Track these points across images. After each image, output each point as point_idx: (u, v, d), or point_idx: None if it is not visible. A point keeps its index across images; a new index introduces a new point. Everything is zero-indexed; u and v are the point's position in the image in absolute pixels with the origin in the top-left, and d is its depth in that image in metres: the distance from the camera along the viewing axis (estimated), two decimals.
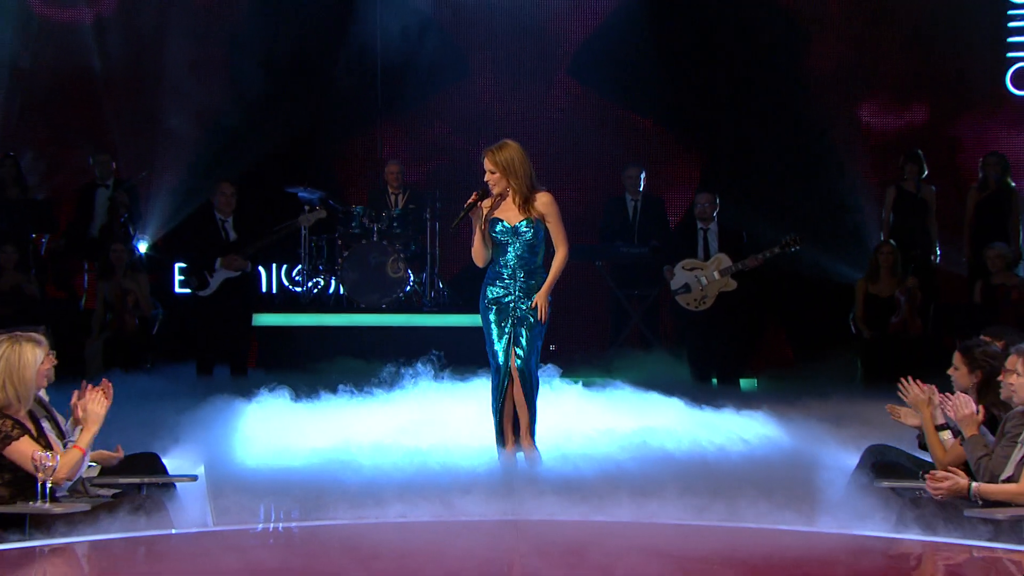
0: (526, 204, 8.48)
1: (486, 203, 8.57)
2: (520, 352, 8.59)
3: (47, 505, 6.08)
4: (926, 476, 6.84)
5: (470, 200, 8.50)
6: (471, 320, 12.63)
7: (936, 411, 7.21)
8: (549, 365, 10.06)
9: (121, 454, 7.15)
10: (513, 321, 8.57)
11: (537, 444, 8.67)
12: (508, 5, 13.86)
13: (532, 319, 8.60)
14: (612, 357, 12.68)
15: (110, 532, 6.07)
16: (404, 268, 12.93)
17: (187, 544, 6.36)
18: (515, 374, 8.58)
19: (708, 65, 14.09)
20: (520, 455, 8.58)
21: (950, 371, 7.38)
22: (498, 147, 8.49)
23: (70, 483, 6.45)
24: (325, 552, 6.08)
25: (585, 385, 11.01)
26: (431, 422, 9.58)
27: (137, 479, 7.08)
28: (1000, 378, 6.91)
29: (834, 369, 12.78)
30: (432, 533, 6.48)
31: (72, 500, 6.37)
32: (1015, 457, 6.69)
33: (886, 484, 7.22)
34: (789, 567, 5.45)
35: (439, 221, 13.25)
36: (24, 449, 6.20)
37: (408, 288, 13.02)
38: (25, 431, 6.27)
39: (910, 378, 7.33)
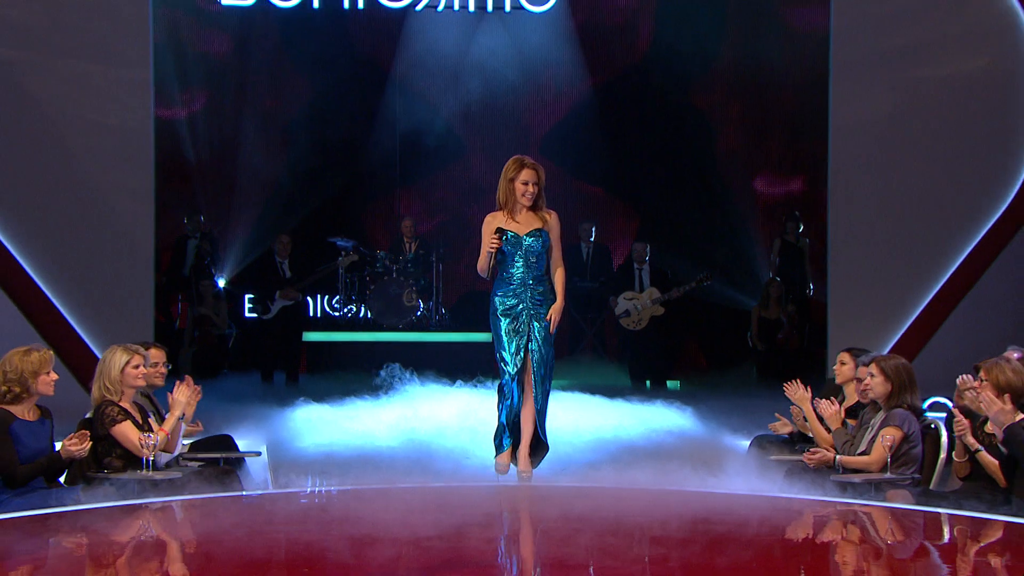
0: (538, 217, 7.02)
1: (493, 220, 7.03)
2: (536, 358, 6.96)
3: (150, 473, 6.07)
4: (805, 452, 6.92)
5: (496, 244, 6.90)
6: (467, 337, 12.73)
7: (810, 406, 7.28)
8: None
9: (201, 428, 7.19)
10: (527, 330, 6.94)
11: (534, 466, 7.08)
12: (494, 102, 13.84)
13: (546, 328, 6.97)
14: (570, 365, 12.69)
15: (197, 494, 6.08)
16: (416, 298, 12.94)
17: (251, 503, 6.36)
18: (528, 386, 6.98)
19: (644, 146, 14.12)
20: (514, 469, 7.08)
21: (837, 368, 7.54)
22: (537, 164, 7.04)
23: (168, 456, 6.47)
24: (351, 508, 6.09)
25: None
26: (424, 417, 9.57)
27: (216, 455, 7.11)
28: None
29: (736, 374, 12.85)
30: (428, 496, 6.37)
31: (169, 470, 6.38)
32: (867, 437, 6.76)
33: (774, 457, 7.28)
34: (706, 518, 5.46)
35: (442, 263, 13.27)
36: (126, 431, 6.18)
37: (419, 313, 13.04)
38: (128, 416, 6.25)
39: (795, 380, 7.42)
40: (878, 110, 11.18)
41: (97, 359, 6.52)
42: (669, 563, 4.78)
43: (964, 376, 6.93)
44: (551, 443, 7.22)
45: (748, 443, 7.99)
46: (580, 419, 9.48)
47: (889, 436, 6.57)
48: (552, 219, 7.08)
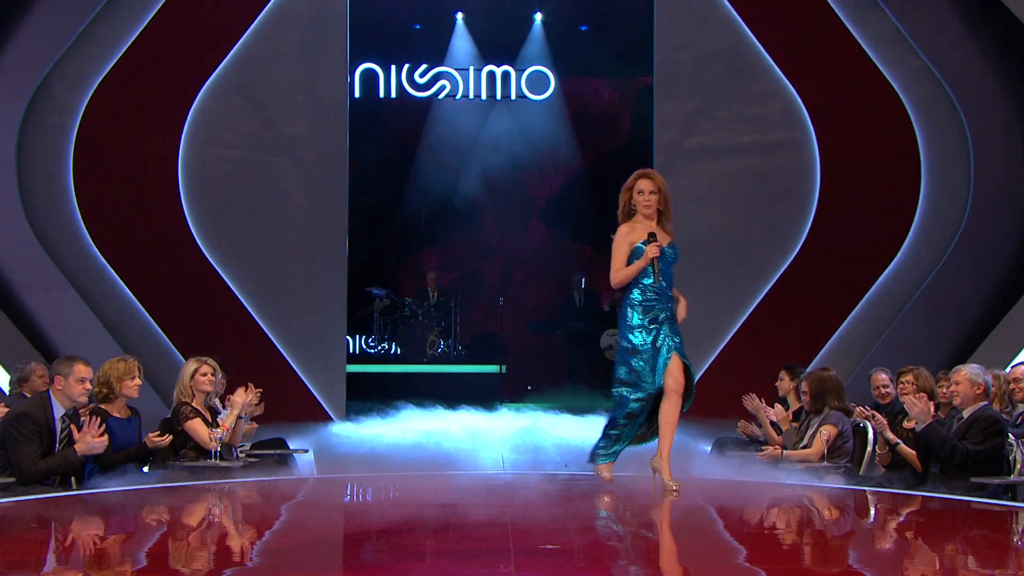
0: (667, 231, 5.80)
1: (631, 231, 5.77)
2: (679, 358, 5.64)
3: (216, 462, 6.20)
4: (760, 450, 7.03)
5: (654, 253, 5.63)
6: (480, 368, 12.80)
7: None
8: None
9: (256, 427, 7.27)
10: (667, 336, 5.62)
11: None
12: (503, 176, 14.00)
13: (680, 340, 5.69)
14: (563, 391, 12.73)
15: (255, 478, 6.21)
16: (438, 337, 13.07)
17: (296, 484, 6.46)
18: (675, 386, 5.60)
19: None
20: (657, 478, 5.64)
21: (778, 383, 7.66)
22: (652, 171, 5.86)
23: (233, 448, 6.57)
24: (382, 493, 6.18)
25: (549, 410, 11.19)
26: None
27: (271, 451, 7.22)
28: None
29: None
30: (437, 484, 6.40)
31: (231, 460, 6.48)
32: (808, 433, 6.86)
33: (734, 453, 7.37)
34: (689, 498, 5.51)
35: (459, 308, 13.38)
36: (196, 427, 6.28)
37: (440, 349, 13.15)
38: (198, 415, 6.36)
39: (751, 394, 7.53)
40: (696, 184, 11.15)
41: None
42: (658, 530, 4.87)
43: (881, 374, 7.13)
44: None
45: (710, 445, 8.07)
46: (570, 433, 9.55)
47: (826, 432, 6.69)
48: (671, 229, 5.84)
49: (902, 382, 6.75)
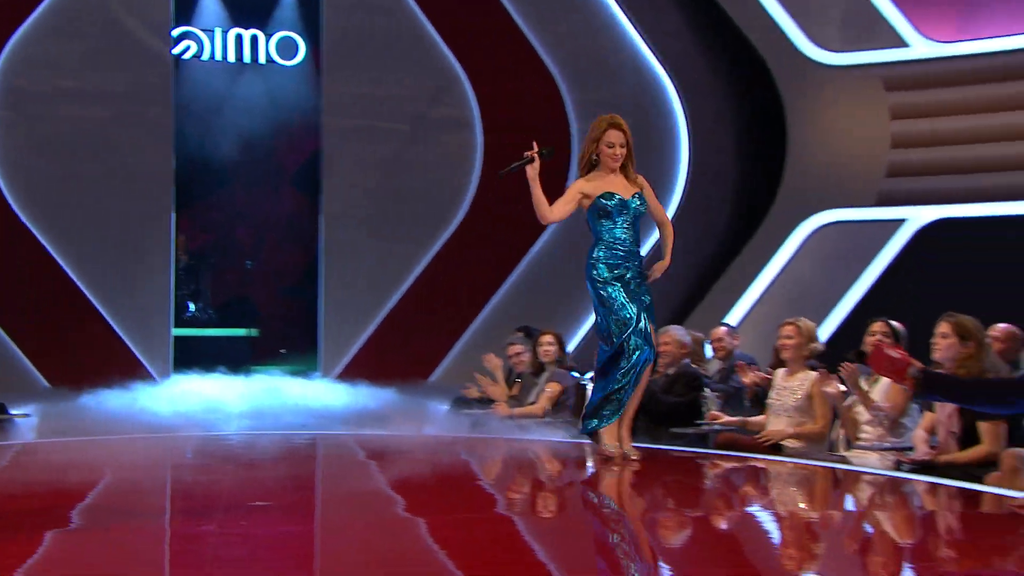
0: (632, 181, 5.30)
1: (591, 178, 5.28)
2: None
3: None
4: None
5: (530, 153, 5.11)
6: (231, 332, 12.49)
7: None
8: None
9: None
10: (638, 301, 5.21)
11: None
12: (254, 142, 13.52)
13: (650, 300, 5.29)
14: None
15: None
16: (187, 300, 12.68)
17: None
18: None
19: None
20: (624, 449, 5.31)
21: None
22: (620, 119, 5.30)
23: None
24: (102, 456, 5.98)
25: None
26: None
27: None
28: None
29: None
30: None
31: None
32: (535, 390, 7.18)
33: (468, 412, 7.63)
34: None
35: (211, 271, 13.01)
36: None
37: (190, 312, 12.73)
38: None
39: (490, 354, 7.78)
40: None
41: None
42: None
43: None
44: None
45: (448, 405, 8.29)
46: (317, 396, 9.60)
47: (550, 389, 7.05)
48: (643, 181, 5.36)
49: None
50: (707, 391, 6.47)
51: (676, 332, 6.74)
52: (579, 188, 5.26)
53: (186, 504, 4.12)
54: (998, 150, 10.94)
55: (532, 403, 7.12)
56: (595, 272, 5.21)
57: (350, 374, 11.21)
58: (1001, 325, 5.50)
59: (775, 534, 3.75)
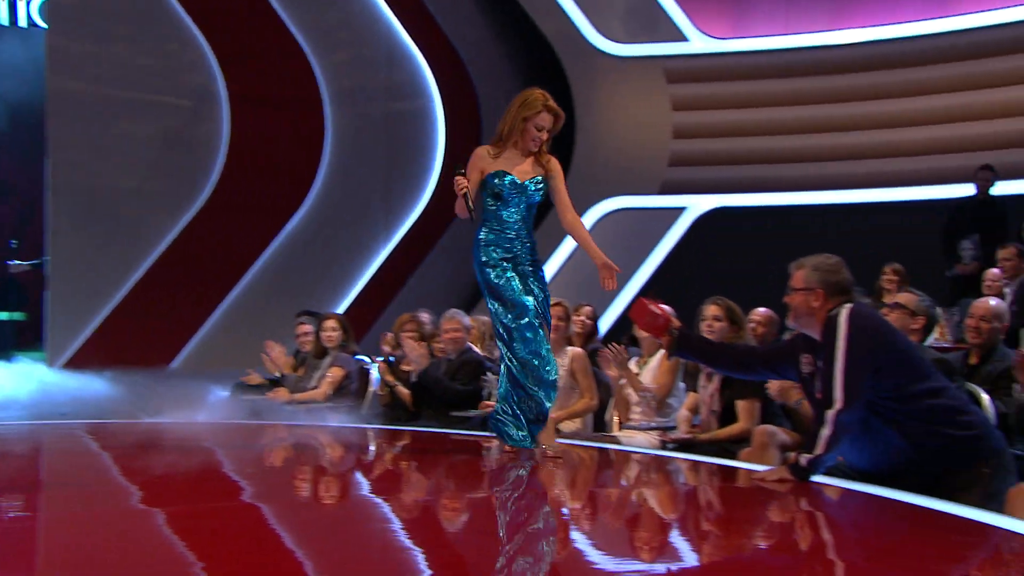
0: (540, 163, 4.79)
1: (487, 155, 4.75)
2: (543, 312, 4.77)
3: None
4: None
5: (464, 187, 4.60)
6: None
7: None
8: None
9: None
10: (532, 293, 4.72)
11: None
12: (18, 109, 12.78)
13: (542, 283, 4.80)
14: None
15: None
16: None
17: None
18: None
19: None
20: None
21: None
22: (553, 104, 4.76)
23: None
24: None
25: None
26: None
27: None
28: None
29: None
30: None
31: None
32: (316, 375, 7.02)
33: (248, 396, 7.38)
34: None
35: None
36: None
37: None
38: None
39: (268, 340, 7.55)
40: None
41: None
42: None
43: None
44: None
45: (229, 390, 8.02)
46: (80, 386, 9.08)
47: (331, 374, 6.91)
48: (553, 165, 4.81)
49: (405, 329, 7.11)
50: (489, 375, 6.49)
51: (460, 317, 6.73)
52: (481, 159, 4.76)
53: None
54: (768, 143, 11.57)
55: (314, 387, 6.97)
56: (482, 255, 4.70)
57: (78, 363, 10.74)
58: (761, 310, 5.76)
59: (539, 515, 3.77)
